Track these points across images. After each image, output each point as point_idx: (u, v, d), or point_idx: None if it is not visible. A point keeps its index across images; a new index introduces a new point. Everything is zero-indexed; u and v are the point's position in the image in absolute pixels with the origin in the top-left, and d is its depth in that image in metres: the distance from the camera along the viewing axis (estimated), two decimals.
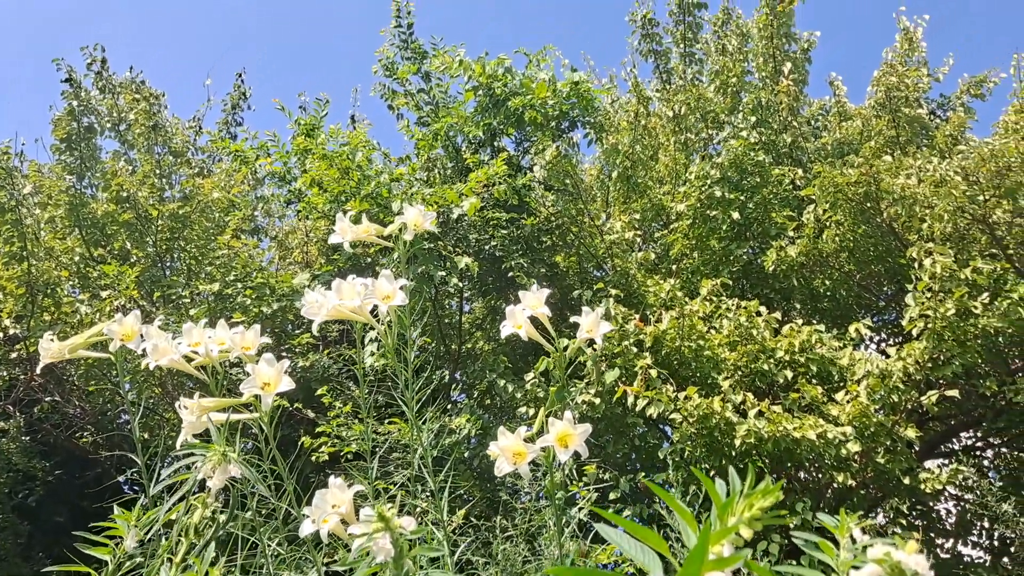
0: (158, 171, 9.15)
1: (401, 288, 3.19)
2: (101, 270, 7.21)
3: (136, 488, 12.07)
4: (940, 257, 5.42)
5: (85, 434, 9.23)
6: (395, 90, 8.50)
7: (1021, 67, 8.63)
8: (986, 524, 9.04)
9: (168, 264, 9.06)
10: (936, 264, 5.41)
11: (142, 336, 3.64)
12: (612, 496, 5.98)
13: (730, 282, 7.16)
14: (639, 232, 8.11)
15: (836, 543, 1.50)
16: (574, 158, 8.15)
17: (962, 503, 9.18)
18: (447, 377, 8.05)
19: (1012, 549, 8.96)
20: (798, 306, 8.28)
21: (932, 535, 8.72)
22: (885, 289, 8.12)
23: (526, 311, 3.28)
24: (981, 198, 5.84)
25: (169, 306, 7.99)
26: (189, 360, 3.56)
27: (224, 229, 9.06)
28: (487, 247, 7.29)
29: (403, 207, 3.84)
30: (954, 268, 5.42)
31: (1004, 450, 8.75)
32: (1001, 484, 8.93)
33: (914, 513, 7.49)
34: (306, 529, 2.43)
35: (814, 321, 7.31)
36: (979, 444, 8.88)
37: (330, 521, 2.38)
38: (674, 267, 8.46)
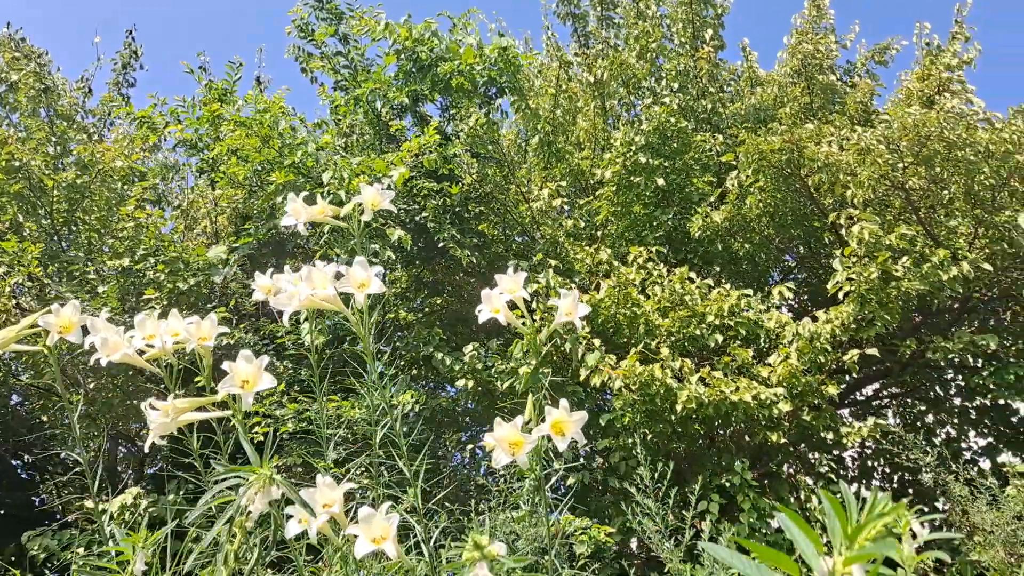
0: (53, 137, 8.47)
1: (376, 275, 3.06)
2: None
3: (32, 473, 11.39)
4: (867, 224, 5.62)
5: None
6: (311, 52, 8.12)
7: (923, 36, 9.03)
8: (887, 469, 9.62)
9: (66, 237, 8.47)
10: (864, 230, 5.62)
11: (84, 328, 3.39)
12: (556, 465, 6.01)
13: (663, 249, 7.25)
14: (564, 199, 8.09)
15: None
16: (498, 125, 8.02)
17: (864, 450, 9.70)
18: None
19: (910, 490, 9.56)
20: (718, 269, 8.47)
21: (837, 480, 9.21)
22: (801, 251, 8.41)
23: (504, 295, 3.21)
24: (901, 165, 6.09)
25: (73, 283, 7.48)
26: (140, 353, 3.35)
27: (126, 199, 8.52)
28: (417, 217, 7.11)
29: (360, 186, 3.67)
30: (880, 234, 5.64)
31: (909, 400, 9.30)
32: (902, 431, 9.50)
33: (822, 461, 7.85)
34: (292, 530, 2.32)
35: (735, 284, 7.52)
36: (882, 395, 9.40)
37: (319, 519, 2.27)
38: (598, 233, 8.51)
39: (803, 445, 7.05)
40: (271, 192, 6.87)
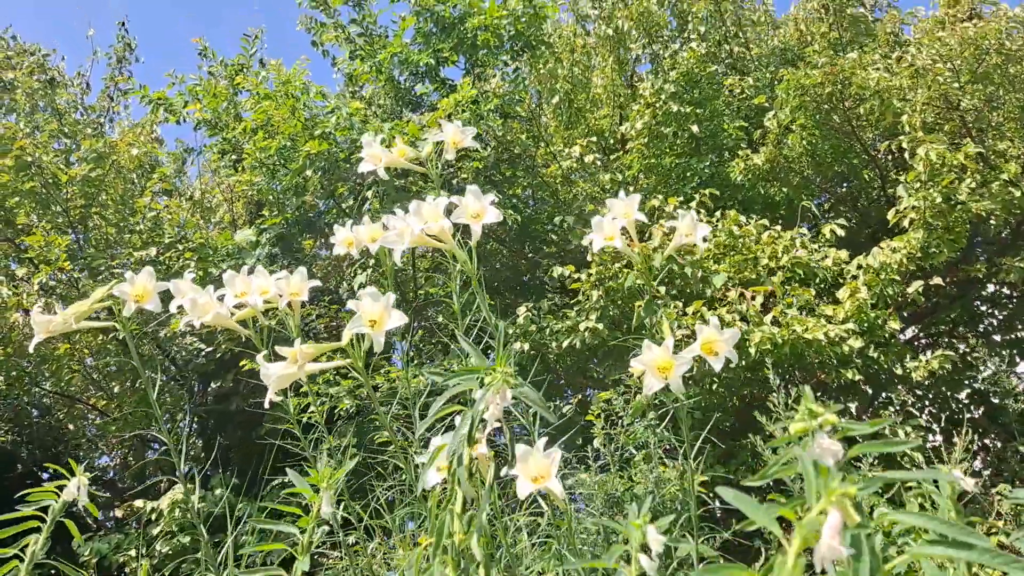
0: (64, 130, 8.17)
1: (492, 204, 2.84)
2: (24, 242, 6.36)
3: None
4: (934, 146, 5.41)
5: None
6: (323, 23, 7.82)
7: None
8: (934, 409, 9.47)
9: (83, 235, 8.19)
10: (931, 152, 5.41)
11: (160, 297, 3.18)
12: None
13: (716, 192, 7.01)
14: (598, 156, 7.85)
15: None
16: (526, 82, 7.76)
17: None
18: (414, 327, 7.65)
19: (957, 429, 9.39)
20: (755, 217, 8.26)
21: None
22: (840, 191, 8.21)
23: (617, 220, 2.99)
24: (956, 85, 5.87)
25: (99, 279, 7.22)
26: (231, 314, 3.15)
27: (142, 191, 8.25)
28: (454, 180, 6.88)
29: (441, 123, 3.42)
30: (947, 155, 5.43)
31: (949, 339, 9.13)
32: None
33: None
34: (432, 479, 2.11)
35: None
36: (924, 335, 9.24)
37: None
38: (631, 188, 8.28)
39: (867, 385, 6.86)
40: (299, 167, 6.62)
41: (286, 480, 6.59)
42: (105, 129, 10.69)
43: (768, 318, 5.58)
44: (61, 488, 2.38)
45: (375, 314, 2.33)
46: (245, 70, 7.06)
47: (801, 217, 8.63)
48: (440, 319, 7.21)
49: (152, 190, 7.95)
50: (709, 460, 5.54)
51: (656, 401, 4.47)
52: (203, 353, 6.93)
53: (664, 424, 3.91)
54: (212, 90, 7.01)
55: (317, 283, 3.24)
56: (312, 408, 6.27)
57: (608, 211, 2.95)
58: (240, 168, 7.28)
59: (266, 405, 2.77)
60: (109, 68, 11.13)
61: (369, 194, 5.86)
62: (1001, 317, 9.12)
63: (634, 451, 3.62)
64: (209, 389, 8.73)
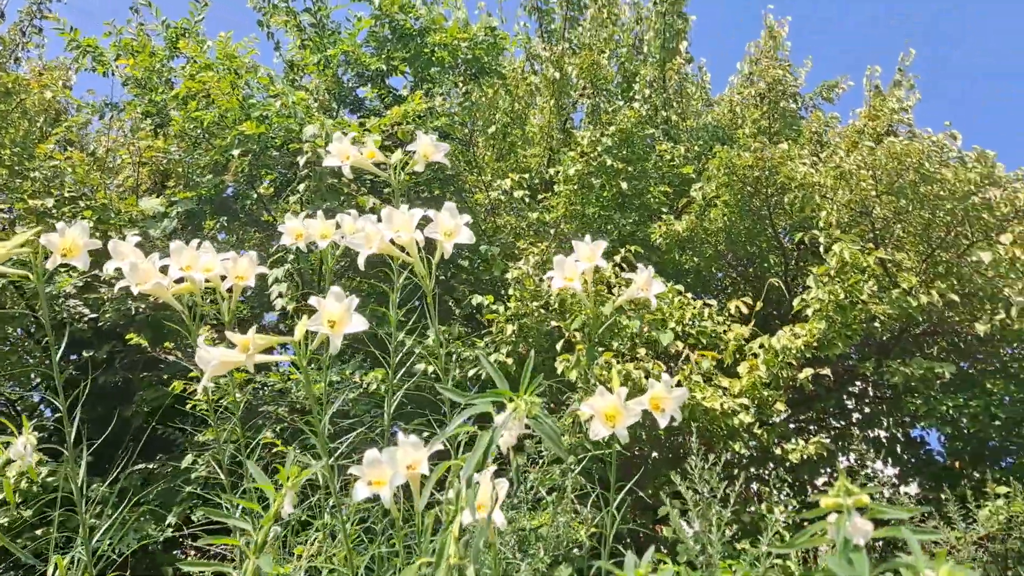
0: None
1: (466, 224, 2.83)
2: None
3: None
4: (848, 246, 5.75)
5: None
6: (275, 4, 7.61)
7: (873, 78, 9.44)
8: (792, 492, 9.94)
9: None
10: (844, 251, 5.73)
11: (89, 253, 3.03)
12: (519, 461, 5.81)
13: (640, 250, 7.17)
14: (527, 192, 7.92)
15: None
16: (472, 107, 7.77)
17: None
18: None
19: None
20: (663, 279, 8.52)
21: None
22: (748, 270, 8.57)
23: (580, 263, 3.03)
24: (874, 193, 6.27)
25: None
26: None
27: (44, 137, 7.73)
28: (385, 190, 6.76)
29: (417, 135, 3.41)
30: (858, 256, 5.77)
31: (818, 427, 9.64)
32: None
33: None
34: (361, 493, 2.05)
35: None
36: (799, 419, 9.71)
37: (392, 484, 2.01)
38: (552, 231, 8.39)
39: (747, 459, 7.13)
40: (226, 144, 6.37)
41: (153, 467, 6.24)
42: (8, 66, 9.98)
43: (673, 381, 5.72)
44: None
45: (335, 315, 2.26)
46: (187, 35, 6.77)
47: (707, 288, 8.98)
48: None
49: (57, 138, 7.46)
50: (627, 509, 5.61)
51: (577, 445, 4.48)
52: (85, 319, 6.50)
53: (580, 470, 3.94)
54: (148, 48, 6.67)
55: (265, 270, 3.11)
56: (199, 395, 5.97)
57: (576, 251, 2.97)
58: (163, 134, 6.94)
59: (199, 392, 2.62)
60: (29, 1, 10.43)
61: (301, 187, 5.70)
62: (860, 416, 9.69)
63: (545, 494, 3.62)
64: (76, 358, 8.18)
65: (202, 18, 6.93)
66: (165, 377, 7.26)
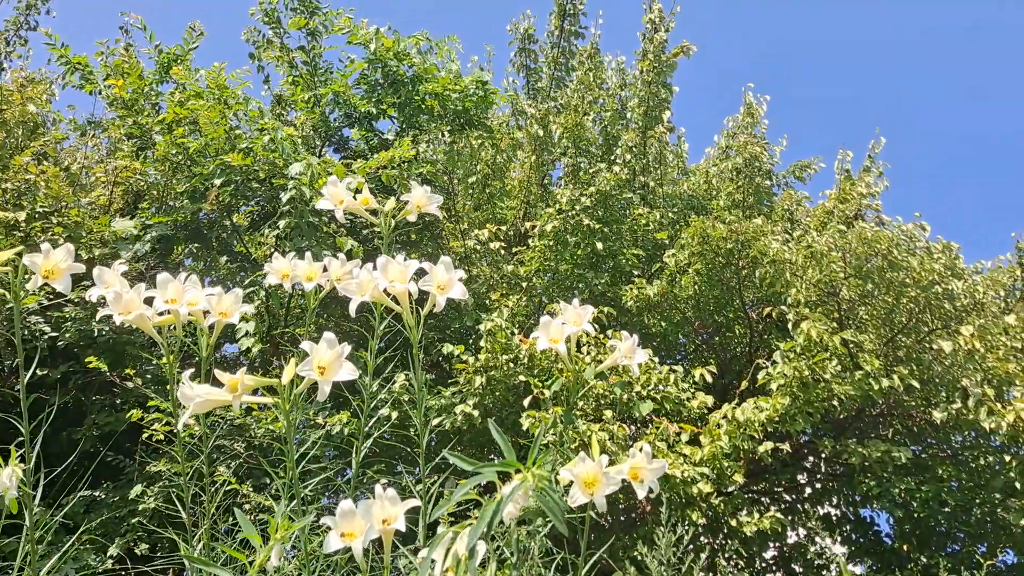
0: None
1: (460, 280, 2.85)
2: None
3: None
4: (816, 324, 5.87)
5: None
6: (270, 40, 7.67)
7: (844, 162, 9.75)
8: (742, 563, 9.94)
9: None
10: (812, 329, 5.85)
11: (75, 278, 3.00)
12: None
13: (613, 311, 7.25)
14: (503, 244, 7.99)
15: None
16: (458, 157, 7.85)
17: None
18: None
19: None
20: None
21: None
22: (715, 340, 8.68)
23: (566, 327, 3.05)
24: (842, 275, 6.44)
25: None
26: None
27: (20, 149, 7.63)
28: (364, 231, 6.77)
29: (411, 184, 3.45)
30: (825, 336, 5.89)
31: (770, 500, 9.70)
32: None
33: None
34: (333, 544, 2.04)
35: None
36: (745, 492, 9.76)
37: (366, 538, 2.00)
38: (524, 284, 8.44)
39: (701, 528, 7.14)
40: (209, 173, 6.34)
41: (98, 495, 6.08)
42: None
43: (638, 446, 5.75)
44: None
45: (326, 361, 2.26)
46: (180, 61, 6.77)
47: (671, 353, 9.07)
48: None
49: (35, 151, 7.37)
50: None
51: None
52: (45, 336, 6.35)
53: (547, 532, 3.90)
54: (138, 71, 6.66)
55: (250, 308, 3.07)
56: (156, 426, 5.84)
57: (562, 314, 3.00)
58: (143, 157, 6.89)
59: (179, 428, 2.59)
60: (16, 12, 10.39)
61: (281, 224, 5.68)
62: (812, 491, 9.79)
63: (509, 553, 3.58)
64: (30, 376, 7.93)
65: (196, 46, 6.95)
66: (118, 402, 7.10)
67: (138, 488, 5.95)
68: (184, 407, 2.25)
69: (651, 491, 2.55)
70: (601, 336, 6.94)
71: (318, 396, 2.27)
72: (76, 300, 6.21)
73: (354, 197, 3.32)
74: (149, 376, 6.83)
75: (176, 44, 6.86)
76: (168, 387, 6.14)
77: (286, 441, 3.36)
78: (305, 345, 2.28)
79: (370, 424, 3.23)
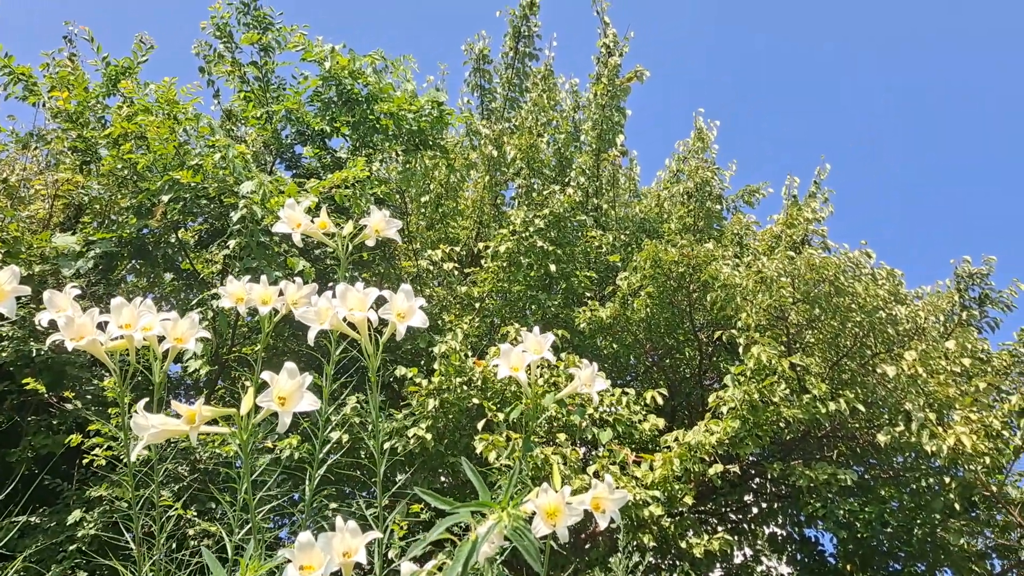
0: None
1: (420, 308, 2.83)
2: None
3: None
4: (766, 348, 5.96)
5: None
6: (222, 55, 7.54)
7: (792, 187, 9.97)
8: None
9: None
10: (763, 353, 5.94)
11: (18, 299, 2.90)
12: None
13: (567, 334, 7.25)
14: (457, 265, 7.96)
15: None
16: (412, 177, 7.80)
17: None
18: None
19: None
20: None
21: None
22: (665, 362, 8.75)
23: (527, 355, 3.05)
24: (790, 300, 6.56)
25: None
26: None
27: None
28: (315, 251, 6.67)
29: (370, 208, 3.44)
30: (775, 359, 5.99)
31: (718, 521, 9.80)
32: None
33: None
34: None
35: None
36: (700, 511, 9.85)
37: (326, 571, 1.97)
38: (477, 305, 8.42)
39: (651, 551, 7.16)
40: (156, 189, 6.19)
41: (34, 520, 5.85)
42: None
43: (591, 470, 5.76)
44: None
45: (287, 391, 2.22)
46: (128, 74, 6.61)
47: (621, 375, 9.11)
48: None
49: None
50: None
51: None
52: None
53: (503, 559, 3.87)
54: (84, 83, 6.49)
55: (206, 334, 3.01)
56: (98, 451, 5.64)
57: (524, 342, 2.99)
58: (87, 171, 6.69)
59: (132, 458, 2.51)
60: None
61: (232, 243, 5.56)
62: (757, 510, 9.92)
63: None
64: None
65: (146, 59, 6.80)
66: (55, 423, 6.86)
67: (77, 514, 5.74)
68: (138, 437, 2.19)
69: (612, 521, 2.56)
70: (555, 359, 6.94)
71: (279, 427, 2.22)
72: (15, 319, 5.99)
73: (312, 220, 3.28)
74: (89, 397, 6.62)
75: (125, 56, 6.71)
76: (110, 410, 5.93)
77: (237, 469, 3.27)
78: (265, 375, 2.23)
79: (324, 450, 3.17)
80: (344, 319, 2.70)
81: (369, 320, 2.69)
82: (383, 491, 2.90)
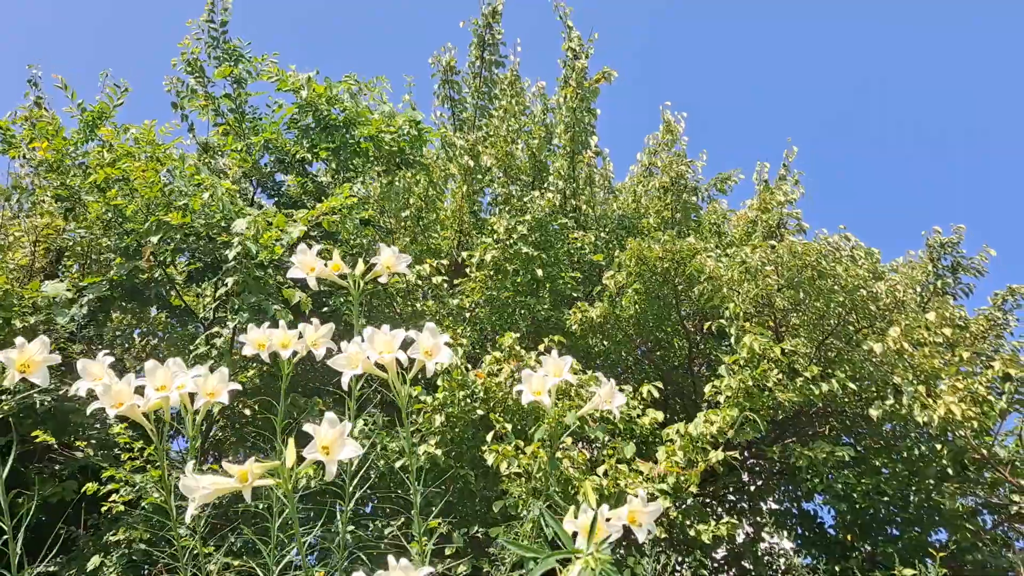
0: None
1: (446, 344, 2.96)
2: None
3: None
4: (758, 337, 6.15)
5: None
6: (195, 89, 7.57)
7: (762, 174, 10.18)
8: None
9: None
10: (755, 342, 6.12)
11: (51, 369, 3.01)
12: (447, 551, 5.80)
13: (564, 341, 7.39)
14: (445, 278, 8.05)
15: None
16: (396, 197, 7.88)
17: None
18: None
19: None
20: (576, 363, 8.75)
21: None
22: (656, 355, 8.93)
23: (548, 379, 3.19)
24: (775, 287, 6.76)
25: None
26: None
27: None
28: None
29: (380, 247, 3.56)
30: (767, 347, 6.17)
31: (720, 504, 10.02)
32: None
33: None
34: None
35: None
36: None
37: None
38: (467, 315, 8.52)
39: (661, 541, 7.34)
40: (145, 231, 6.23)
41: (52, 570, 5.95)
42: None
43: (601, 470, 5.91)
44: None
45: (329, 440, 2.35)
46: (104, 118, 6.63)
47: (613, 371, 9.27)
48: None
49: None
50: None
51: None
52: None
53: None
54: (62, 131, 6.50)
55: (237, 387, 3.11)
56: (114, 497, 5.69)
57: (544, 366, 3.13)
58: (73, 217, 6.71)
59: (187, 520, 2.62)
60: None
61: (229, 281, 5.63)
62: (753, 489, 10.15)
63: None
64: None
65: (121, 103, 6.82)
66: (57, 468, 6.87)
67: (96, 559, 5.79)
68: (192, 499, 2.29)
69: (649, 532, 2.70)
70: (574, 379, 7.07)
71: (326, 476, 2.35)
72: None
73: (325, 264, 3.39)
74: (94, 442, 6.65)
75: (101, 101, 6.72)
76: (123, 455, 5.95)
77: (280, 518, 3.36)
78: (308, 427, 2.36)
79: (352, 483, 3.28)
80: (375, 362, 2.82)
81: (398, 360, 2.82)
82: (420, 524, 3.03)
